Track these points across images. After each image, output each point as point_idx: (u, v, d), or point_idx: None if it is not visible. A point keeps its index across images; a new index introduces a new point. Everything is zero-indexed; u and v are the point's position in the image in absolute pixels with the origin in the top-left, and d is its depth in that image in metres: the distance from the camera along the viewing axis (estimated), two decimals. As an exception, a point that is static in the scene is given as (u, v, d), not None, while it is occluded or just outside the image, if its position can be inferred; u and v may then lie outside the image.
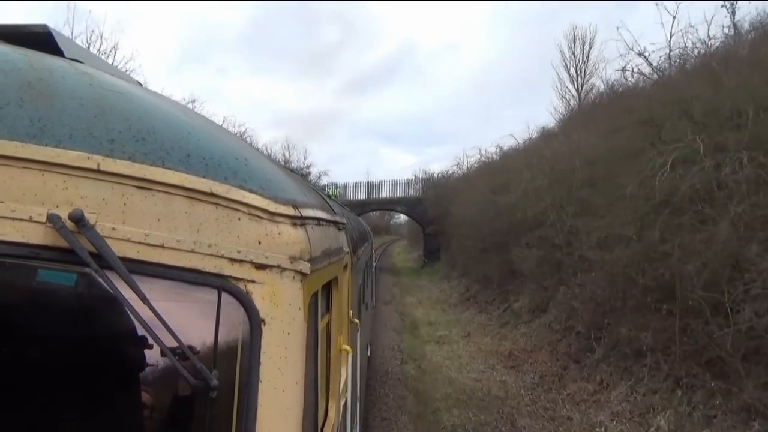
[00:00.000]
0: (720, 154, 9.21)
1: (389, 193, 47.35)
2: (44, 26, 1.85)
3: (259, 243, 1.54)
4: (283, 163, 27.27)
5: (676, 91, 11.50)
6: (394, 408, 10.60)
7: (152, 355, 1.49)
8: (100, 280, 1.38)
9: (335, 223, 2.56)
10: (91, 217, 1.41)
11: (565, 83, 38.57)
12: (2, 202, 1.39)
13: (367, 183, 48.07)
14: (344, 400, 3.16)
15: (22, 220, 1.40)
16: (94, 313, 1.53)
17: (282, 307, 1.56)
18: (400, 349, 15.89)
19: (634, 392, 9.56)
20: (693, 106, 10.35)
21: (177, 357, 1.40)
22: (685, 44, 14.06)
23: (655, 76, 13.71)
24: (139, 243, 1.46)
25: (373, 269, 16.06)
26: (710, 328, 8.40)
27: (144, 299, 1.38)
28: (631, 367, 10.11)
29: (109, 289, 1.37)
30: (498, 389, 11.56)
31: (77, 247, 1.37)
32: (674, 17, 14.10)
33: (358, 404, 4.92)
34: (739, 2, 12.74)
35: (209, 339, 1.50)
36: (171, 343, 1.40)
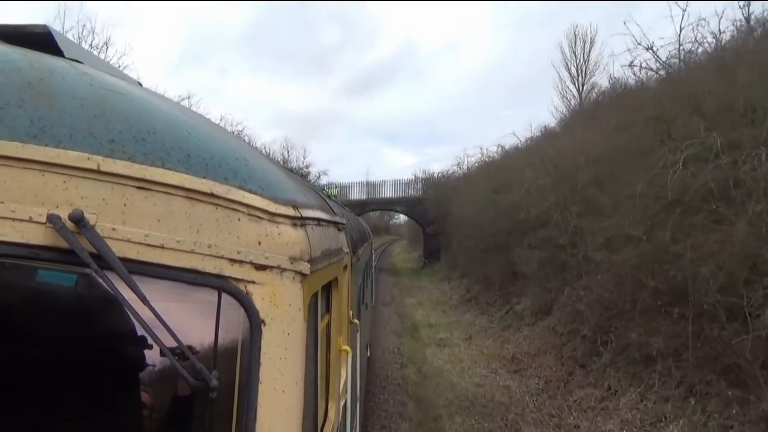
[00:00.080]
0: (735, 151, 9.13)
1: (389, 193, 48.16)
2: (44, 26, 1.90)
3: (259, 243, 1.60)
4: (281, 162, 27.45)
5: (686, 87, 11.50)
6: (395, 415, 10.62)
7: (152, 356, 1.55)
8: (100, 280, 1.43)
9: (335, 223, 2.62)
10: (91, 218, 1.46)
11: (565, 82, 39.59)
12: (2, 203, 1.44)
13: (367, 183, 48.93)
14: (344, 400, 3.23)
15: (22, 220, 1.45)
16: (94, 313, 1.58)
17: (282, 307, 1.62)
18: (400, 352, 15.96)
19: (644, 399, 9.51)
20: (706, 101, 10.32)
21: (177, 357, 1.45)
22: (695, 38, 14.12)
23: (664, 71, 13.73)
24: (139, 243, 1.51)
25: (373, 269, 16.17)
26: (727, 334, 8.31)
27: (144, 300, 1.43)
28: (640, 373, 10.08)
29: (109, 290, 1.42)
30: (501, 395, 11.61)
31: (77, 247, 1.42)
32: (684, 10, 14.15)
33: (358, 404, 5.00)
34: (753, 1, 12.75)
35: (209, 339, 1.56)
36: (171, 343, 1.45)
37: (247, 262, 1.58)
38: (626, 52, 28.12)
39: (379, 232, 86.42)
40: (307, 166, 53.04)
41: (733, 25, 13.07)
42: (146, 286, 1.45)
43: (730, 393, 8.05)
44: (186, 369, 1.45)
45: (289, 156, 54.34)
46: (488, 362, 14.29)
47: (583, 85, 38.28)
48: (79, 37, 23.40)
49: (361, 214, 36.62)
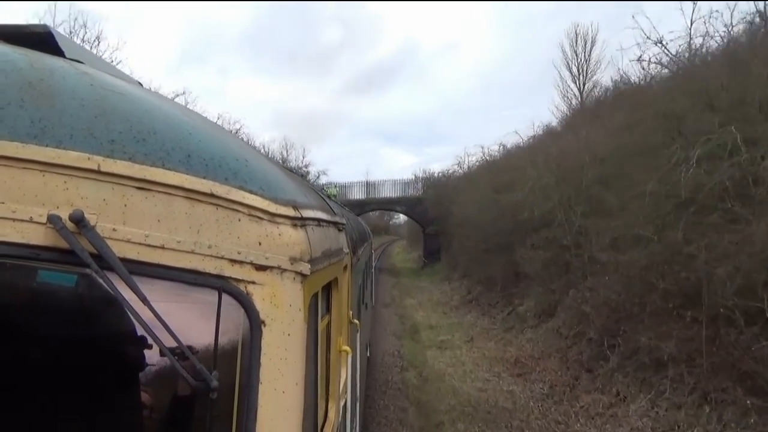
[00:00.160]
0: (753, 147, 9.07)
1: (389, 192, 48.98)
2: (45, 26, 1.96)
3: (260, 244, 1.66)
4: (280, 162, 27.68)
5: (698, 81, 11.48)
6: (395, 422, 10.65)
7: (153, 356, 1.61)
8: (101, 281, 1.49)
9: (335, 223, 2.69)
10: (91, 218, 1.52)
11: (566, 82, 40.46)
12: (3, 203, 1.49)
13: (367, 182, 49.75)
14: (344, 400, 3.31)
15: (22, 220, 1.50)
16: (95, 314, 1.64)
17: (282, 308, 1.68)
18: (400, 355, 16.04)
19: (655, 407, 9.44)
20: (719, 96, 10.26)
21: (177, 358, 1.51)
22: (707, 30, 14.16)
23: (674, 65, 13.76)
24: (140, 244, 1.57)
25: (373, 269, 16.28)
26: (744, 339, 8.22)
27: (144, 300, 1.49)
28: (650, 379, 10.04)
29: (110, 290, 1.48)
30: (505, 400, 11.66)
31: (77, 247, 1.48)
32: (695, 2, 14.21)
33: (358, 405, 5.08)
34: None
35: (209, 340, 1.62)
36: (171, 344, 1.51)
37: (247, 263, 1.64)
38: (635, 47, 28.28)
39: (379, 232, 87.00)
40: (306, 166, 53.63)
41: (746, 18, 13.12)
42: (146, 286, 1.51)
43: (748, 401, 7.97)
44: (186, 369, 1.51)
45: (288, 155, 55.05)
46: (491, 365, 14.37)
47: (584, 85, 39.35)
48: (71, 31, 23.53)
49: (360, 213, 36.98)
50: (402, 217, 77.49)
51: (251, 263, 1.65)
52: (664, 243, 10.14)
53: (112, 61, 21.74)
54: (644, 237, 10.70)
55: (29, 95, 1.54)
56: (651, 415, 9.33)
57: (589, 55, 39.24)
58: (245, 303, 1.64)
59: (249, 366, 1.63)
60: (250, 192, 1.68)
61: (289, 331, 1.69)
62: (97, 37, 25.08)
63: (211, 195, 1.63)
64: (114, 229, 1.56)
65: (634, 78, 19.49)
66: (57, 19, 24.57)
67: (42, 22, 1.90)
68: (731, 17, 13.30)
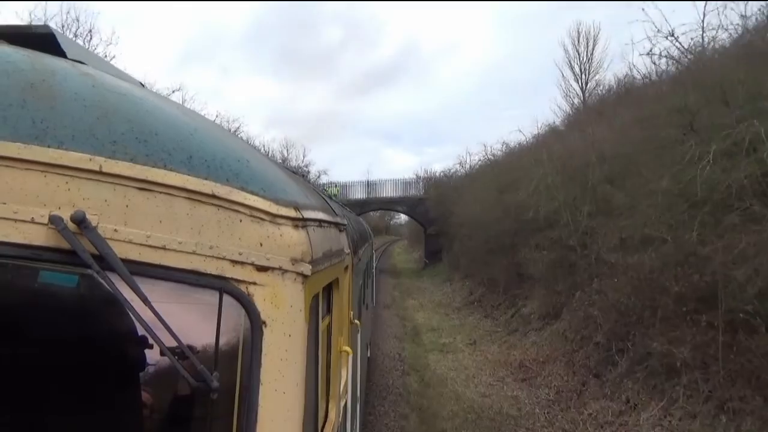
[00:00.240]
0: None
1: (390, 192, 49.75)
2: (47, 27, 2.03)
3: (261, 245, 1.73)
4: (281, 162, 27.92)
5: (713, 75, 11.44)
6: (396, 429, 10.71)
7: (153, 357, 1.68)
8: (102, 281, 1.55)
9: (336, 224, 2.76)
10: (93, 219, 1.59)
11: (569, 81, 41.19)
12: (4, 204, 1.56)
13: (368, 182, 50.48)
14: (344, 401, 3.39)
15: (24, 221, 1.57)
16: (96, 314, 1.72)
17: (283, 308, 1.75)
18: (401, 358, 16.13)
19: (668, 415, 9.34)
20: (735, 90, 10.15)
21: (178, 358, 1.58)
22: (720, 22, 14.16)
23: (686, 59, 13.76)
24: (141, 244, 1.64)
25: (374, 270, 16.38)
26: (765, 345, 8.14)
27: (145, 301, 1.56)
28: (662, 386, 9.95)
29: (111, 291, 1.55)
30: (510, 406, 11.73)
31: (79, 248, 1.54)
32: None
33: (358, 405, 5.17)
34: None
35: (210, 340, 1.69)
36: (172, 344, 1.58)
37: (248, 264, 1.71)
38: (642, 42, 28.23)
39: (380, 232, 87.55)
40: (306, 166, 54.28)
41: (762, 9, 13.11)
42: (148, 287, 1.58)
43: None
44: (187, 370, 1.58)
45: (288, 155, 55.64)
46: (494, 370, 14.44)
47: (586, 83, 40.07)
48: (62, 25, 23.69)
49: (361, 213, 37.34)
50: (403, 217, 78.26)
51: (252, 264, 1.72)
52: (677, 244, 10.06)
53: (106, 56, 21.89)
54: (656, 237, 10.64)
55: (31, 96, 1.61)
56: (664, 425, 9.22)
57: (592, 54, 40.12)
58: (246, 304, 1.71)
59: (250, 366, 1.70)
60: (252, 193, 1.75)
61: (290, 332, 1.76)
62: (89, 31, 25.21)
63: (213, 196, 1.69)
64: (115, 230, 1.62)
65: (641, 73, 19.50)
66: (48, 13, 24.71)
67: (41, 23, 1.97)
68: (744, 8, 13.32)
